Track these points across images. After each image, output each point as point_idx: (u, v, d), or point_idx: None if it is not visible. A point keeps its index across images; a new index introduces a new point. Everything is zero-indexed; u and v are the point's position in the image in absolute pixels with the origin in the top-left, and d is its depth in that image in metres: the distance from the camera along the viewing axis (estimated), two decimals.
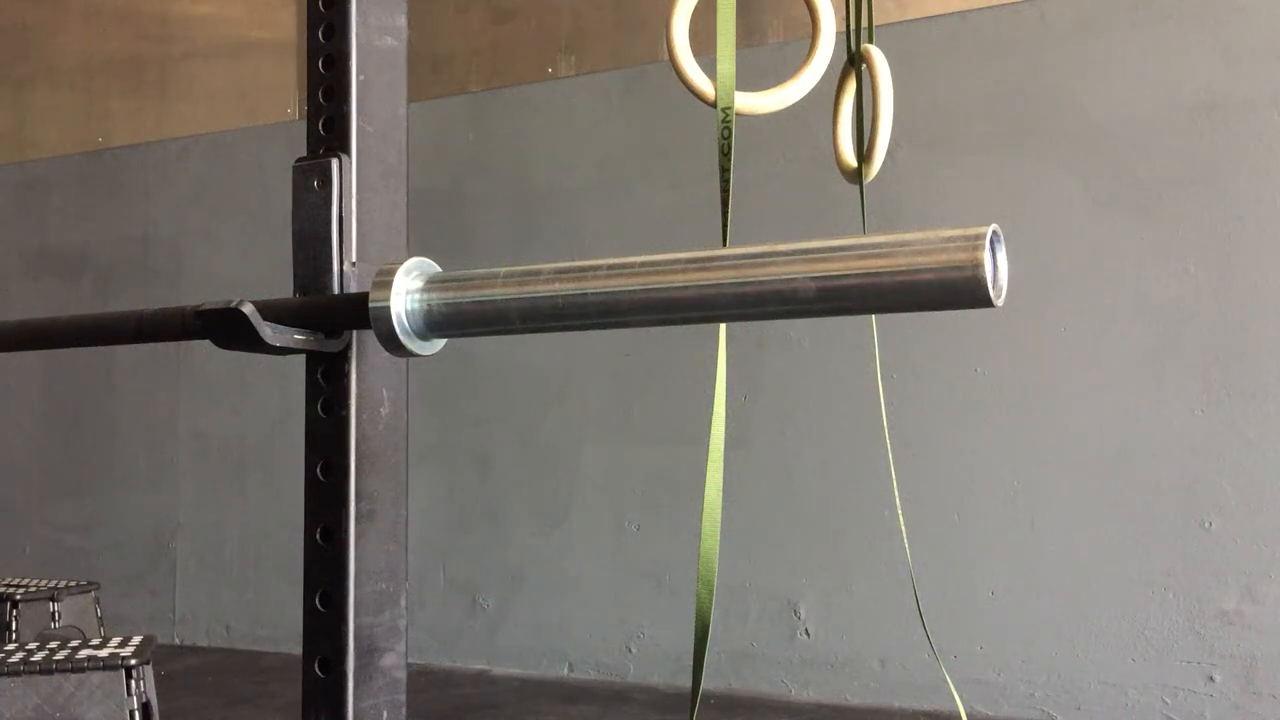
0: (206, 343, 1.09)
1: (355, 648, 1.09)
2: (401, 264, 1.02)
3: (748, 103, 1.64)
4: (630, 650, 4.21)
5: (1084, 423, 3.58)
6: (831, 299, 0.87)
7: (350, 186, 1.13)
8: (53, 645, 2.38)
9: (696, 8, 1.67)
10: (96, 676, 2.21)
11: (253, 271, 4.92)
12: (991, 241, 0.82)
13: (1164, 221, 3.53)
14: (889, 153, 1.79)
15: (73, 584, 3.41)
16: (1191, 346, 3.48)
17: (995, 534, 3.68)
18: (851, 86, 1.86)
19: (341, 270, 1.12)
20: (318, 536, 1.12)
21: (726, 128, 1.54)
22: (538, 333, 1.02)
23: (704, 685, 1.53)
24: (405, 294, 1.02)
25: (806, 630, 3.93)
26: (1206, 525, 3.42)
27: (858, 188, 1.84)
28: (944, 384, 3.77)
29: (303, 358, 1.14)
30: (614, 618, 4.24)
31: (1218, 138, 3.48)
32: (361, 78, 1.15)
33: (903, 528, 1.99)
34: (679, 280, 0.92)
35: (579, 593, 4.31)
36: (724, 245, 1.51)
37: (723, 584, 3.86)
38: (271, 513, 4.90)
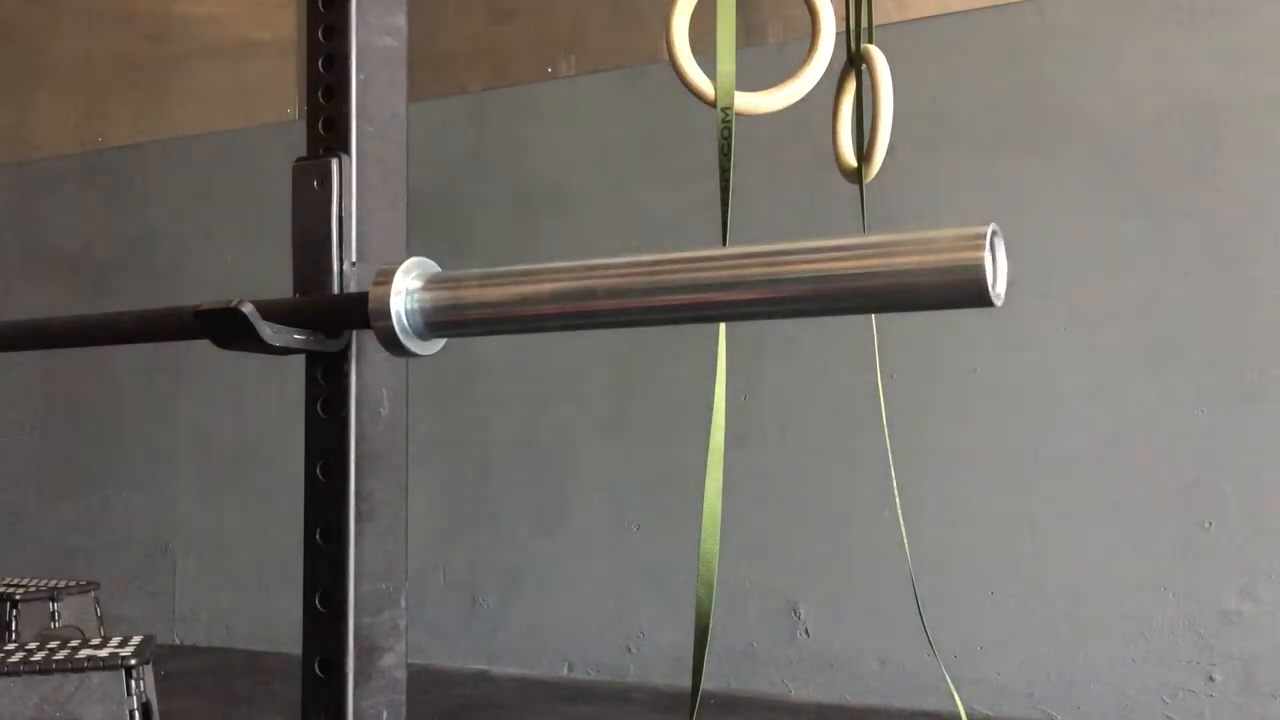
0: (206, 343, 1.09)
1: (355, 648, 1.09)
2: (401, 264, 1.02)
3: (748, 103, 1.64)
4: (630, 650, 4.21)
5: (1084, 423, 3.58)
6: (831, 299, 0.87)
7: (350, 186, 1.13)
8: (53, 645, 2.38)
9: (696, 8, 1.67)
10: (96, 676, 2.21)
11: (253, 271, 4.92)
12: (991, 241, 0.82)
13: (1164, 221, 3.53)
14: (889, 153, 1.79)
15: (73, 584, 3.41)
16: (1191, 346, 3.47)
17: (995, 534, 3.68)
18: (851, 86, 1.86)
19: (341, 270, 1.12)
20: (318, 536, 1.12)
21: (726, 127, 1.54)
22: (538, 332, 1.02)
23: (704, 685, 1.53)
24: (405, 294, 1.02)
25: (806, 630, 3.93)
26: (1206, 525, 3.42)
27: (857, 187, 1.84)
28: (944, 384, 3.77)
29: (303, 358, 1.14)
30: (614, 618, 4.24)
31: (1218, 138, 3.48)
32: (361, 78, 1.15)
33: (902, 528, 1.99)
34: (679, 280, 0.92)
35: (579, 593, 4.31)
36: (724, 245, 1.51)
37: (723, 584, 3.85)
38: (271, 513, 4.90)
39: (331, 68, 1.15)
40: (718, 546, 1.45)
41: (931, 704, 3.68)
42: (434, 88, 4.70)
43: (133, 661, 2.25)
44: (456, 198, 4.64)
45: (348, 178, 1.13)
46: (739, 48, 1.66)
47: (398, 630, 1.14)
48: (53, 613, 3.27)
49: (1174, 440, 3.47)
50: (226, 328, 1.04)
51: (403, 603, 1.16)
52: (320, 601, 1.11)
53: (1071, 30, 3.69)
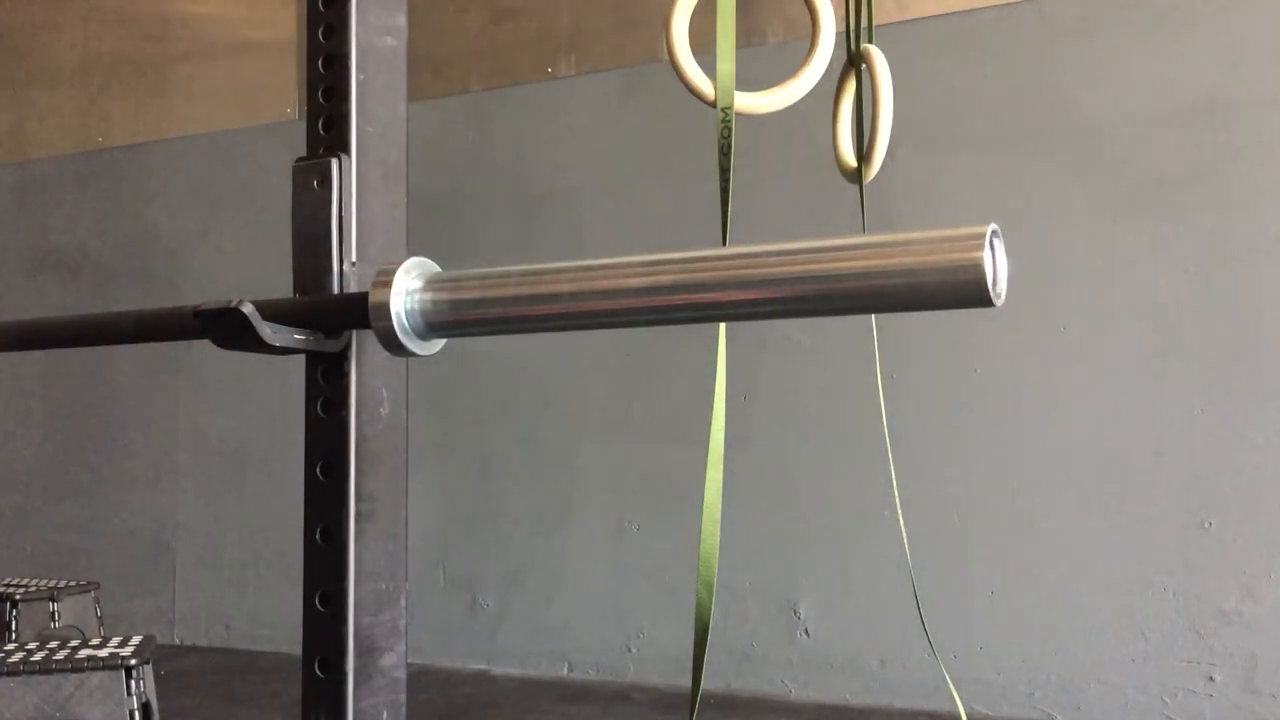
0: (206, 343, 1.09)
1: (355, 648, 1.09)
2: (401, 264, 1.02)
3: (747, 103, 1.64)
4: (630, 650, 4.21)
5: (1084, 423, 3.58)
6: (832, 299, 0.87)
7: (350, 186, 1.13)
8: (53, 645, 2.38)
9: (696, 8, 1.67)
10: (96, 676, 2.21)
11: (253, 271, 4.92)
12: (991, 241, 0.82)
13: (1164, 221, 3.53)
14: (889, 153, 1.79)
15: (73, 584, 3.41)
16: (1191, 346, 3.48)
17: (995, 534, 3.68)
18: (851, 86, 1.86)
19: (341, 270, 1.12)
20: (318, 536, 1.12)
21: (726, 127, 1.55)
22: (538, 332, 1.02)
23: (704, 685, 1.53)
24: (405, 294, 1.02)
25: (806, 630, 3.93)
26: (1206, 525, 3.42)
27: (857, 188, 1.84)
28: (944, 384, 3.77)
29: (303, 358, 1.14)
30: (614, 618, 4.24)
31: (1218, 138, 3.48)
32: (361, 78, 1.15)
33: (902, 528, 1.99)
34: (679, 280, 0.92)
35: (579, 593, 4.31)
36: (724, 245, 1.51)
37: (723, 584, 3.86)
38: (271, 513, 4.90)
39: (331, 68, 1.15)
40: (718, 546, 1.45)
41: (931, 704, 3.68)
42: (434, 88, 4.70)
43: (133, 661, 2.25)
44: (456, 198, 4.64)
45: (348, 178, 1.13)
46: (739, 48, 1.66)
47: (398, 630, 1.14)
48: (53, 613, 3.28)
49: (1174, 440, 3.47)
50: (226, 328, 1.04)
51: (403, 603, 1.16)
52: (320, 601, 1.11)
53: (1071, 30, 3.69)
